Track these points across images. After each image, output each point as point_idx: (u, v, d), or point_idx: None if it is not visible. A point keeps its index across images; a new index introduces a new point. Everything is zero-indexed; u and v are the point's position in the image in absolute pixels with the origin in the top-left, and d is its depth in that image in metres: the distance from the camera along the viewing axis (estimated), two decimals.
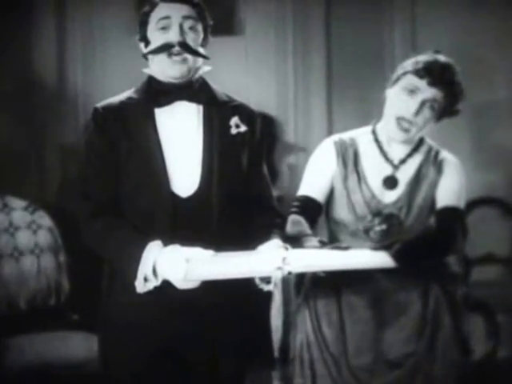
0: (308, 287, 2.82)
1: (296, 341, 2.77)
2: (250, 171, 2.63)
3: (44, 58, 4.54)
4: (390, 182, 2.81)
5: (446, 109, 2.79)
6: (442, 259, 2.84)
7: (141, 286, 2.44)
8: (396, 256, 2.58)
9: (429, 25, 4.68)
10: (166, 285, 2.43)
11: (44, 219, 4.09)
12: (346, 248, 2.58)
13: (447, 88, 2.74)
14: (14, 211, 4.07)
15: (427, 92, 2.73)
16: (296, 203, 2.84)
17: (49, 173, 4.56)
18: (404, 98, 2.75)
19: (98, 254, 2.55)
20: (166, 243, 2.44)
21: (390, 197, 2.81)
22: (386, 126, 2.80)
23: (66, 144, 4.52)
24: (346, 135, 2.90)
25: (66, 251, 4.05)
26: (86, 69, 4.57)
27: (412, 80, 2.75)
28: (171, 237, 2.46)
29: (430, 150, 2.86)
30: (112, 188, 2.54)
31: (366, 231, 2.77)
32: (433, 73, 2.73)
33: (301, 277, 2.70)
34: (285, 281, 2.37)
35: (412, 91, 2.74)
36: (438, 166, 2.84)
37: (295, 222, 2.76)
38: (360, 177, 2.82)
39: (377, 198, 2.79)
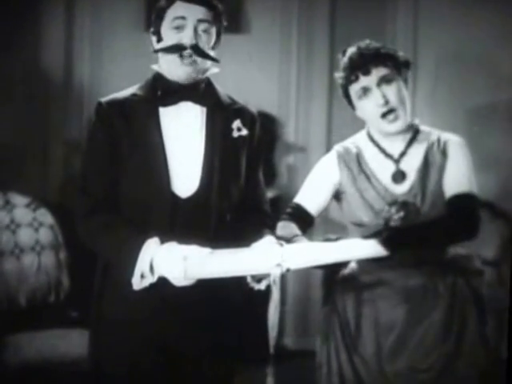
0: (337, 289, 2.83)
1: (322, 347, 2.80)
2: (246, 174, 2.63)
3: (51, 53, 4.54)
4: (398, 177, 2.83)
5: (400, 71, 2.80)
6: (459, 242, 2.85)
7: (137, 283, 2.44)
8: (385, 243, 2.57)
9: (432, 28, 4.67)
10: (160, 281, 2.43)
11: (46, 217, 4.09)
12: (337, 239, 2.59)
13: (380, 60, 2.76)
14: (16, 208, 4.07)
15: (371, 78, 2.75)
16: (288, 210, 2.85)
17: (52, 169, 4.56)
18: (366, 102, 2.78)
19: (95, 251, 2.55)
20: (163, 242, 2.44)
21: (402, 187, 2.82)
22: (377, 128, 2.83)
23: (70, 140, 4.53)
24: (348, 141, 2.93)
25: (67, 249, 4.06)
26: (92, 64, 4.57)
27: (354, 88, 2.78)
28: (169, 236, 2.46)
29: (429, 135, 2.86)
30: (111, 184, 2.54)
31: (386, 222, 2.78)
32: (357, 65, 2.75)
33: (330, 279, 2.72)
34: (283, 278, 2.38)
35: (364, 92, 2.77)
36: (443, 149, 2.85)
37: (284, 226, 2.78)
38: (368, 175, 2.84)
39: (390, 191, 2.80)
